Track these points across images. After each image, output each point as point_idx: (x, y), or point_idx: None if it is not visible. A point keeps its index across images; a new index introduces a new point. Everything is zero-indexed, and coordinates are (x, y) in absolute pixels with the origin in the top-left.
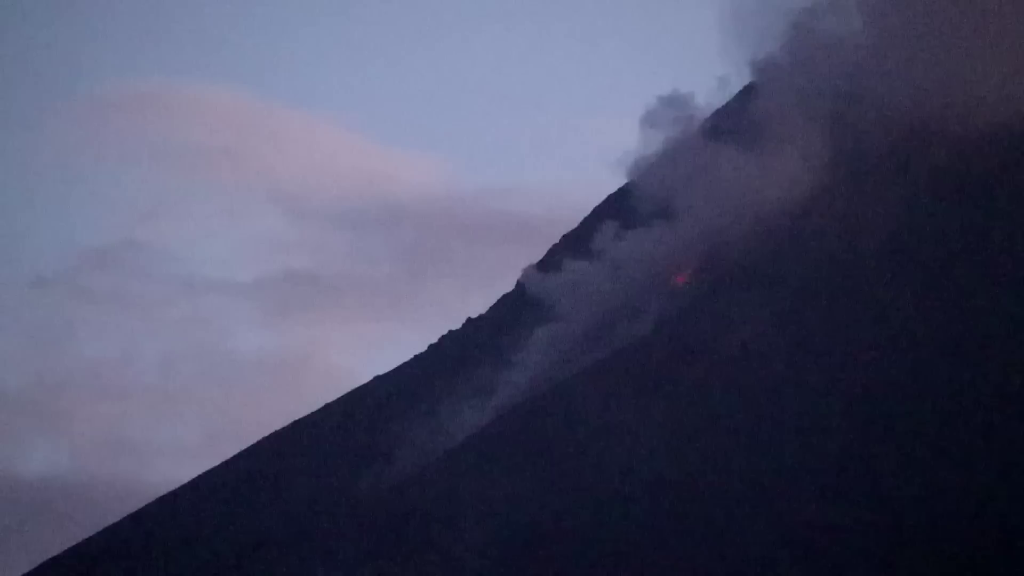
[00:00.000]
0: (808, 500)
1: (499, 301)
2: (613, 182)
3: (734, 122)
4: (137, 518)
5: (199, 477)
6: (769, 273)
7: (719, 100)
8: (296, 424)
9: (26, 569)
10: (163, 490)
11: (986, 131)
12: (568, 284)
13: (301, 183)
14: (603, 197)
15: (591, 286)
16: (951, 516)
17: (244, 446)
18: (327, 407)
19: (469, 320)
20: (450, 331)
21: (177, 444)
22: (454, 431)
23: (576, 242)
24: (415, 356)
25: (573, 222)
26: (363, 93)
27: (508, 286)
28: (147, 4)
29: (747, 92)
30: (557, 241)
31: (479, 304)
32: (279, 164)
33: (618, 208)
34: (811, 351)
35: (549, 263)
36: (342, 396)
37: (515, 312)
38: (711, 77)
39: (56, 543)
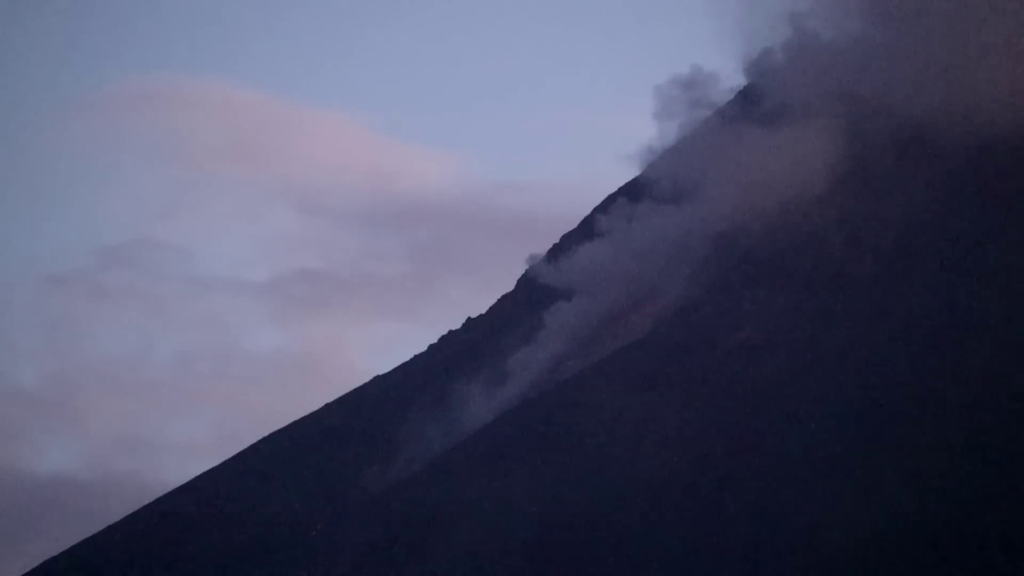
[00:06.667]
0: (815, 495)
1: (500, 301)
2: (625, 177)
3: (741, 115)
4: (138, 517)
5: (200, 476)
6: (779, 267)
7: (723, 97)
8: (295, 424)
9: (36, 565)
10: (176, 487)
11: (994, 128)
12: (580, 266)
13: (315, 181)
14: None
15: (603, 265)
16: (954, 511)
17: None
18: (327, 407)
19: (469, 320)
20: (450, 331)
21: (191, 441)
22: (455, 430)
23: (579, 239)
24: (414, 356)
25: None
26: (376, 91)
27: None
28: (163, 3)
29: (751, 89)
30: (558, 240)
31: (492, 302)
32: (293, 162)
33: (619, 204)
34: (821, 345)
35: (554, 256)
36: (341, 396)
37: (516, 311)
38: (721, 73)
39: (70, 540)
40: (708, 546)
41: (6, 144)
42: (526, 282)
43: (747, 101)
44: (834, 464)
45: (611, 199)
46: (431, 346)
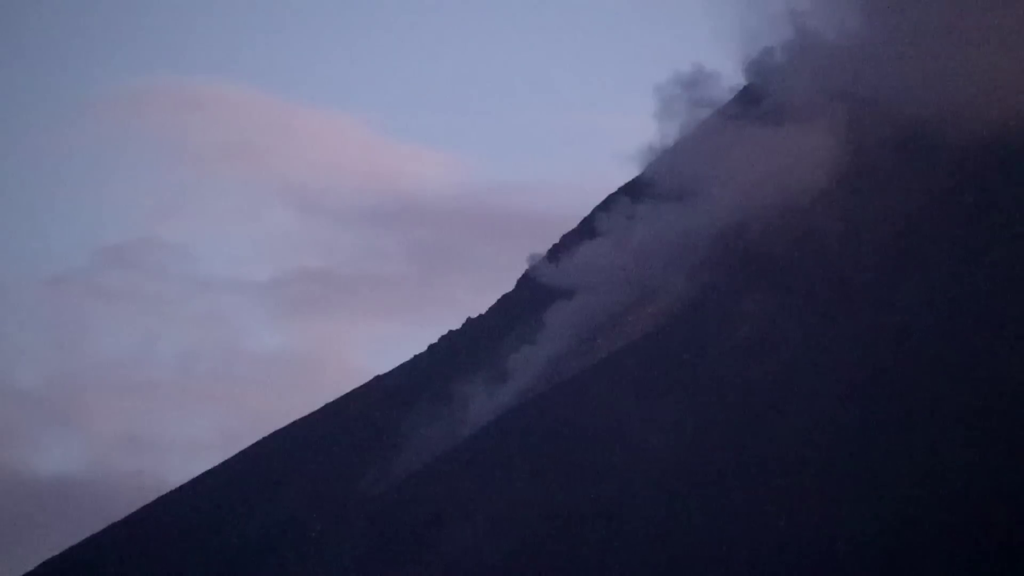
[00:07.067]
0: (815, 495)
1: (500, 301)
2: (625, 177)
3: (741, 115)
4: (138, 517)
5: (200, 476)
6: (779, 267)
7: (724, 96)
8: (295, 424)
9: (36, 565)
10: (176, 487)
11: (994, 128)
12: (580, 265)
13: (315, 181)
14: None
15: (604, 264)
16: (954, 511)
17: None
18: (327, 407)
19: (469, 320)
20: (450, 331)
21: (193, 441)
22: (455, 430)
23: (580, 238)
24: (414, 356)
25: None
26: (376, 90)
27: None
28: (163, 3)
29: (751, 89)
30: (558, 240)
31: (492, 302)
32: (293, 162)
33: (620, 203)
34: (821, 346)
35: (554, 256)
36: (341, 396)
37: (516, 311)
38: (721, 73)
39: (70, 540)
40: (708, 545)
41: (6, 144)
42: (526, 282)
43: (747, 101)
44: (834, 464)
45: (612, 198)
46: (431, 346)
